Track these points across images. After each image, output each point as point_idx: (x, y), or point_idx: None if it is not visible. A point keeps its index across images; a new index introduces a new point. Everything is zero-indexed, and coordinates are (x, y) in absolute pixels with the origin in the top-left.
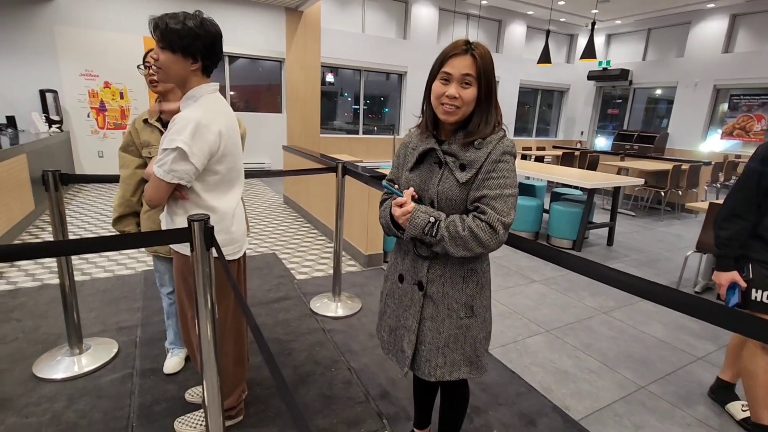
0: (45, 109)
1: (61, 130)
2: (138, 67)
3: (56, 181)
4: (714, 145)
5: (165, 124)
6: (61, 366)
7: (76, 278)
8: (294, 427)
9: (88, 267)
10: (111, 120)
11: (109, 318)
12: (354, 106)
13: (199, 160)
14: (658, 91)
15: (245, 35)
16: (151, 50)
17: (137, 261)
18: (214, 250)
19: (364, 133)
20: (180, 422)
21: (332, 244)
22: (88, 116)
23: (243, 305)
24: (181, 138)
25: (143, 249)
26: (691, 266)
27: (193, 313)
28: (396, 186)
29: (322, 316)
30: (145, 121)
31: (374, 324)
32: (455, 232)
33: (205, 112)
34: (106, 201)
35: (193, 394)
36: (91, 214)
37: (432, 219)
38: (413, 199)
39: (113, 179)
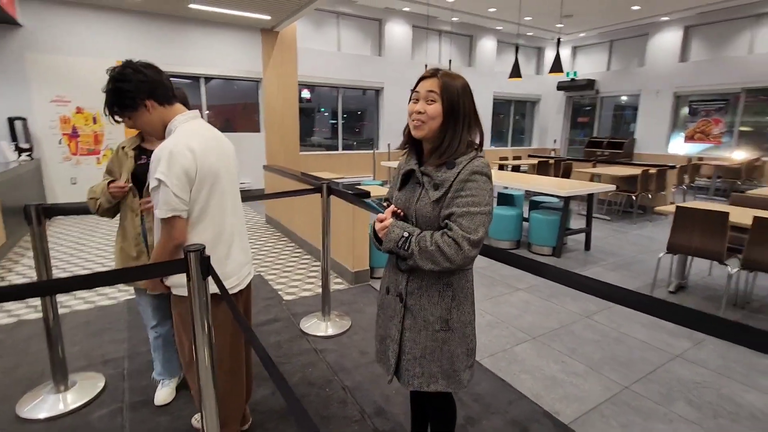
0: (14, 137)
1: (31, 158)
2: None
3: (39, 215)
4: (678, 148)
5: (142, 153)
6: (47, 405)
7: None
8: None
9: (67, 299)
10: (84, 146)
11: (93, 351)
12: (331, 121)
13: (180, 187)
14: (624, 99)
15: (221, 56)
16: None
17: (118, 290)
18: (212, 280)
19: (343, 148)
20: None
21: (318, 263)
22: (60, 143)
23: (252, 339)
24: (159, 170)
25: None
26: (664, 267)
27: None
28: (386, 204)
29: (313, 336)
30: (123, 148)
31: (365, 341)
32: (424, 246)
33: (177, 140)
34: (84, 230)
35: (199, 419)
36: (67, 244)
37: (405, 234)
38: (398, 216)
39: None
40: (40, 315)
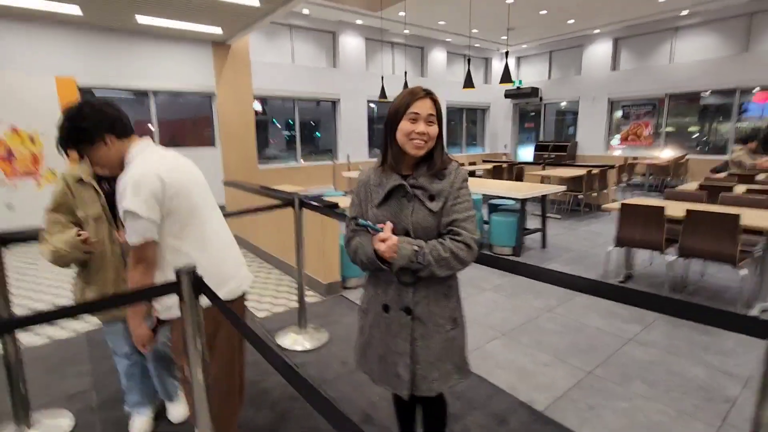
0: None
1: None
2: None
3: None
4: (615, 149)
5: (99, 180)
6: None
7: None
8: None
9: (20, 334)
10: (20, 168)
11: (54, 387)
12: (285, 132)
13: (149, 211)
14: (564, 105)
15: (171, 70)
16: None
17: (74, 321)
18: (205, 298)
19: (303, 160)
20: None
21: (286, 277)
22: None
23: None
24: (126, 201)
25: None
26: (612, 259)
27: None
28: (354, 223)
29: (291, 350)
30: (80, 180)
31: (344, 352)
32: (438, 256)
33: (140, 168)
34: (31, 258)
35: None
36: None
37: (416, 248)
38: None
39: None
40: None
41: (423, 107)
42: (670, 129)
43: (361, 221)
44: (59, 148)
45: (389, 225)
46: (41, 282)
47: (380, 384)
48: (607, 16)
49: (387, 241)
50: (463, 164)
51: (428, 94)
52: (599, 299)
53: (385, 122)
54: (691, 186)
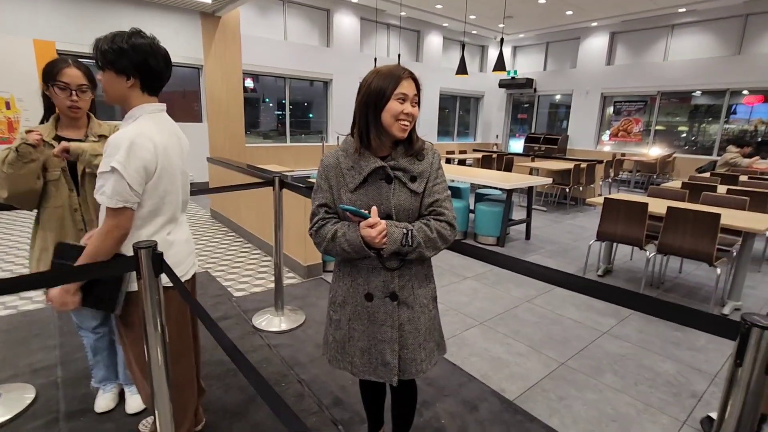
0: None
1: None
2: (46, 85)
3: None
4: (605, 145)
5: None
6: None
7: None
8: None
9: None
10: None
11: (19, 360)
12: (276, 112)
13: (135, 178)
14: (558, 97)
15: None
16: (64, 68)
17: (42, 293)
18: (165, 276)
19: (291, 140)
20: None
21: (268, 258)
22: None
23: (211, 327)
24: (117, 158)
25: None
26: (593, 253)
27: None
28: (325, 210)
29: (266, 331)
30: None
31: (319, 335)
32: (426, 237)
33: (141, 130)
34: (5, 229)
35: (147, 424)
36: None
37: (405, 230)
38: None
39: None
40: None
41: (409, 88)
42: (660, 127)
43: (344, 206)
44: (95, 54)
45: (375, 209)
46: (7, 251)
47: (364, 376)
48: (606, 9)
49: (376, 226)
50: (452, 152)
51: (411, 74)
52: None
53: (364, 102)
54: (675, 184)
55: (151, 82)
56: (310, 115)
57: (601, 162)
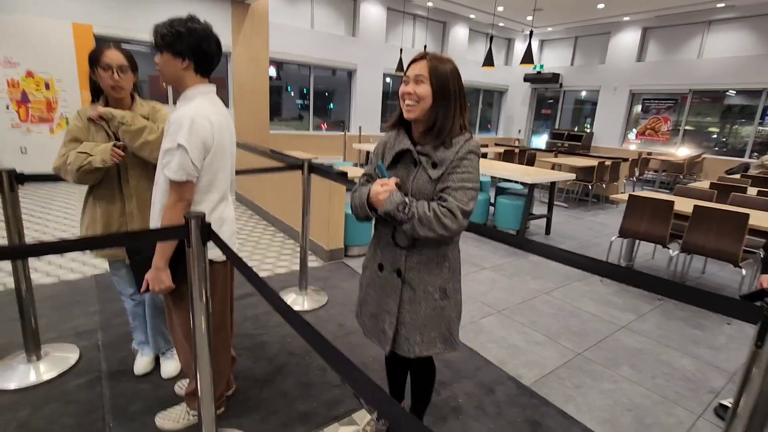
0: None
1: None
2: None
3: (12, 181)
4: (631, 143)
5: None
6: (19, 375)
7: (10, 285)
8: (274, 414)
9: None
10: (35, 113)
11: (63, 324)
12: (297, 101)
13: (197, 153)
14: (584, 93)
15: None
16: (105, 50)
17: (83, 264)
18: (215, 247)
19: (314, 129)
20: (162, 417)
21: (291, 241)
22: (8, 108)
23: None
24: (181, 135)
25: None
26: (614, 250)
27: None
28: (365, 180)
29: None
30: (91, 120)
31: (342, 315)
32: (422, 213)
33: (199, 109)
34: (40, 201)
35: (182, 386)
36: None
37: (407, 200)
38: (398, 187)
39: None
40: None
41: (414, 69)
42: (689, 127)
43: (379, 163)
44: (154, 38)
45: (396, 179)
46: (49, 223)
47: (369, 338)
48: (640, 3)
49: (385, 186)
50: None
51: (425, 56)
52: (596, 286)
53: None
54: (703, 184)
55: (204, 65)
56: (331, 106)
57: (626, 160)
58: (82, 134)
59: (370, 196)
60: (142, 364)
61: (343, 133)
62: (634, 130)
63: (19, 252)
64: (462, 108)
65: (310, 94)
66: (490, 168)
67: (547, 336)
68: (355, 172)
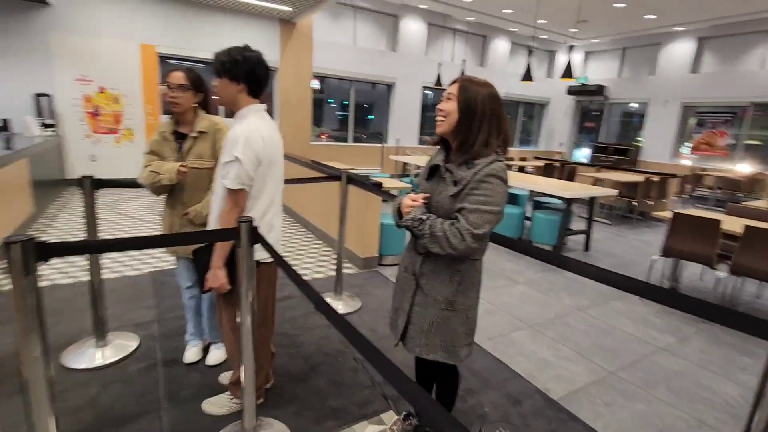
0: (39, 113)
1: (55, 134)
2: (160, 85)
3: (91, 186)
4: (684, 158)
5: (177, 137)
6: (88, 357)
7: (81, 278)
8: (308, 408)
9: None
10: (104, 125)
11: (124, 315)
12: (338, 113)
13: (250, 165)
14: (635, 105)
15: (240, 43)
16: (172, 71)
17: (142, 263)
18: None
19: (353, 140)
20: (208, 403)
21: (328, 249)
22: (82, 121)
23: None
24: (237, 149)
25: (150, 251)
26: (657, 269)
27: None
28: (420, 188)
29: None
30: (165, 136)
31: (374, 321)
32: (433, 231)
33: (252, 126)
34: (103, 204)
35: (226, 377)
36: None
37: (423, 217)
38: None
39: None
40: (70, 281)
41: (448, 88)
42: (752, 141)
43: (411, 178)
44: (215, 64)
45: (424, 195)
46: (119, 225)
47: (390, 329)
48: (693, 12)
49: (413, 202)
50: (512, 159)
51: (456, 81)
52: (635, 306)
53: None
54: (761, 203)
55: (256, 88)
56: (371, 117)
57: (675, 176)
58: (157, 147)
59: (401, 207)
60: (191, 354)
61: (381, 144)
62: (688, 145)
63: (107, 246)
64: (492, 130)
65: (350, 107)
66: (527, 182)
67: (579, 352)
68: (390, 184)
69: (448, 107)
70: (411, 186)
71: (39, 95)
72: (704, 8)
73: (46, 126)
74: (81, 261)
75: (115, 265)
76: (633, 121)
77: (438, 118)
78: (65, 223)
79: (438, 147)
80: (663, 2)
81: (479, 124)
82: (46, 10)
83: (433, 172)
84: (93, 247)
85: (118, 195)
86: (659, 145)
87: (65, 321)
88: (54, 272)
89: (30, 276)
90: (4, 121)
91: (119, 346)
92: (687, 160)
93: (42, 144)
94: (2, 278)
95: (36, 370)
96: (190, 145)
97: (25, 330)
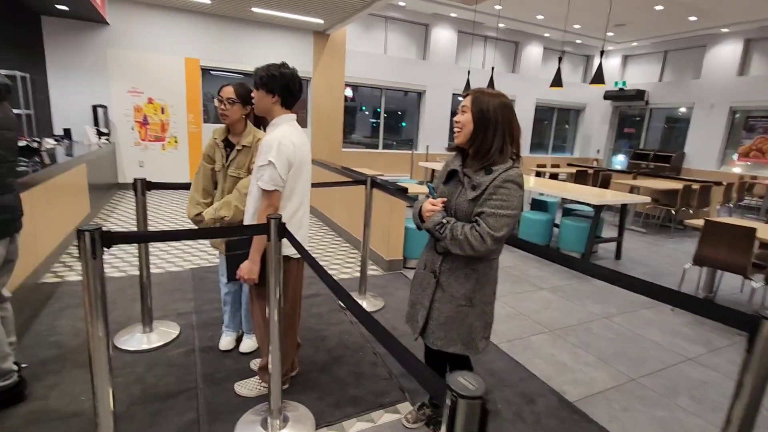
0: (96, 122)
1: (109, 142)
2: (213, 99)
3: (143, 188)
4: (733, 165)
5: (227, 144)
6: (136, 341)
7: (130, 272)
8: (329, 395)
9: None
10: (152, 133)
11: (167, 306)
12: (371, 120)
13: (282, 168)
14: (683, 110)
15: (274, 55)
16: (224, 86)
17: (183, 260)
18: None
19: (383, 147)
20: (240, 385)
21: (355, 251)
22: (132, 129)
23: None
24: (271, 154)
25: (188, 249)
26: (690, 279)
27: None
28: (438, 191)
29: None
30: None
31: (395, 320)
32: (454, 235)
33: (284, 134)
34: (150, 205)
35: (255, 363)
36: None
37: (444, 221)
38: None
39: (185, 186)
40: (120, 274)
41: (463, 101)
42: None
43: (429, 184)
44: (254, 81)
45: (443, 199)
46: (160, 224)
47: (407, 323)
48: (739, 13)
49: (435, 206)
50: (544, 165)
51: (469, 93)
52: (665, 315)
53: None
54: None
55: (289, 100)
56: (404, 124)
57: (719, 184)
58: (211, 151)
59: (421, 211)
60: (225, 341)
61: (410, 151)
62: (736, 152)
63: (158, 236)
64: (507, 138)
65: (381, 115)
66: (556, 189)
67: (600, 358)
68: (415, 189)
69: (464, 119)
70: (428, 190)
71: (96, 106)
72: (749, 9)
73: (101, 134)
74: (130, 257)
75: (159, 262)
76: (679, 127)
77: (455, 129)
78: (116, 222)
79: (454, 153)
80: (705, 3)
81: (493, 132)
82: (106, 29)
83: (450, 176)
84: (146, 237)
85: (162, 197)
86: (705, 152)
87: (118, 309)
88: (107, 266)
89: (97, 260)
90: (66, 130)
91: (163, 333)
92: (737, 167)
93: (98, 151)
94: (63, 268)
95: (99, 347)
96: (233, 157)
97: (92, 308)
